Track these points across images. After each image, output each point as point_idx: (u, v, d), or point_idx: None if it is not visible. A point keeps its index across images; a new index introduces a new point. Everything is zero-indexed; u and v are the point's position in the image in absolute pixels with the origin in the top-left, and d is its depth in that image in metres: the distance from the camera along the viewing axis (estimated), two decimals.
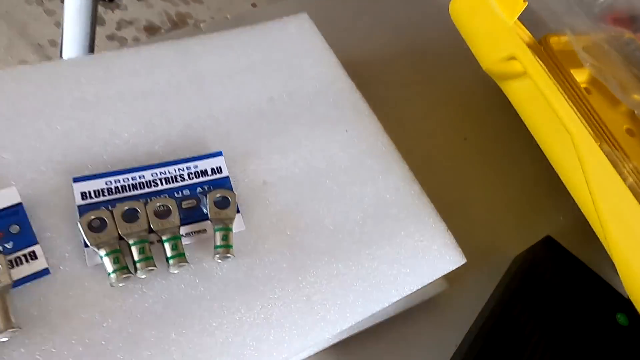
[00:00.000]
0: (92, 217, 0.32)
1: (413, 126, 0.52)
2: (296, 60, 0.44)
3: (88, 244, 0.31)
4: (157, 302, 0.32)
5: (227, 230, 0.34)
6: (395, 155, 0.42)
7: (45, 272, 0.31)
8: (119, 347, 0.30)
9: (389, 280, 0.36)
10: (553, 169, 0.44)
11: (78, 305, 0.30)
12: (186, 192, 0.36)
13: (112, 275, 0.31)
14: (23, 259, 0.30)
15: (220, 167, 0.37)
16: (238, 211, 0.36)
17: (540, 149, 0.45)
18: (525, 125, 0.46)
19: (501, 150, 0.53)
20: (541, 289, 0.41)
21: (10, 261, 0.30)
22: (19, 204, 0.32)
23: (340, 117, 0.42)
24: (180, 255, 0.32)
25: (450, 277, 0.40)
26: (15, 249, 0.30)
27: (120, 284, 0.31)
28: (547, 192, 0.51)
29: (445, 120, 0.54)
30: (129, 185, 0.35)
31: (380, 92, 0.46)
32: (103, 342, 0.30)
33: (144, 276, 0.32)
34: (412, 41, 0.58)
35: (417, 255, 0.38)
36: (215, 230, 0.34)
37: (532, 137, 0.46)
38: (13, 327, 0.28)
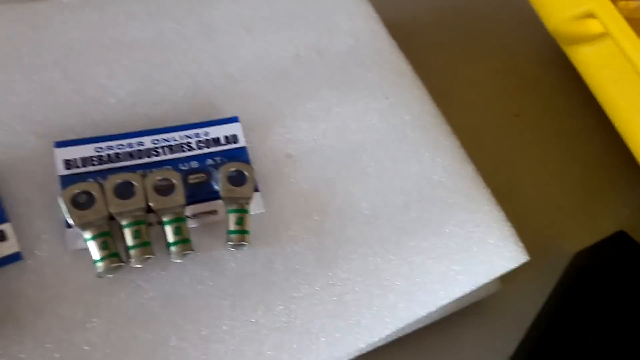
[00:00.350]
0: (77, 190, 0.26)
1: (459, 99, 0.45)
2: (328, 12, 0.37)
3: (71, 223, 0.25)
4: (154, 298, 0.25)
5: (242, 213, 0.27)
6: (444, 128, 0.35)
7: (16, 256, 0.25)
8: (105, 353, 0.24)
9: (437, 279, 0.30)
10: (621, 152, 0.37)
11: (56, 300, 0.24)
12: (194, 164, 0.29)
13: (99, 264, 0.24)
14: None
15: (235, 136, 0.30)
16: (256, 189, 0.29)
17: (608, 128, 0.38)
18: (590, 100, 0.39)
19: (559, 129, 0.46)
20: (614, 294, 0.34)
21: None
22: None
23: (380, 80, 0.35)
24: (184, 242, 0.26)
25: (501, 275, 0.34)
26: None
27: (109, 275, 0.25)
28: (614, 178, 0.44)
29: (495, 93, 0.47)
30: (124, 153, 0.28)
31: (423, 59, 0.39)
32: (86, 347, 0.24)
33: (138, 265, 0.26)
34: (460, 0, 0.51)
35: (470, 249, 0.31)
36: (228, 212, 0.27)
37: (598, 114, 0.39)
38: None
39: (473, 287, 0.31)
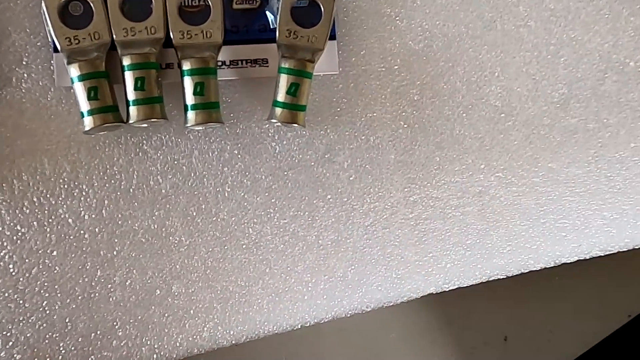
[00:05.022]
0: None
1: None
2: None
3: (57, 46, 0.17)
4: (163, 172, 0.19)
5: (300, 77, 0.18)
6: None
7: None
8: (93, 232, 0.19)
9: (572, 226, 0.20)
10: None
11: (36, 150, 0.18)
12: None
13: (87, 119, 0.17)
14: None
15: None
16: (332, 36, 0.19)
17: None
18: None
19: None
20: None
21: None
22: None
23: None
24: (209, 107, 0.18)
25: None
26: None
27: (100, 133, 0.18)
28: None
29: None
30: None
31: None
32: (70, 220, 0.18)
33: (143, 125, 0.18)
34: None
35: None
36: (279, 71, 0.18)
37: None
38: None
39: (624, 248, 0.20)
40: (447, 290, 0.20)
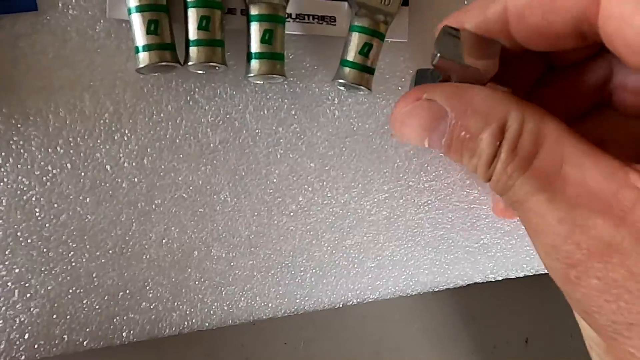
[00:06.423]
0: None
1: None
2: None
3: None
4: (212, 125, 0.17)
5: (373, 37, 0.17)
6: None
7: (28, 3, 0.16)
8: (131, 182, 0.17)
9: None
10: None
11: (77, 85, 0.16)
12: None
13: (142, 55, 0.16)
14: None
15: None
16: (405, 2, 0.18)
17: None
18: None
19: None
20: None
21: None
22: None
23: None
24: (274, 57, 0.16)
25: None
26: None
27: (154, 73, 0.17)
28: None
29: None
30: None
31: None
32: (108, 167, 0.16)
33: (200, 72, 0.17)
34: None
35: None
36: (351, 29, 0.17)
37: None
38: None
39: None
40: (494, 280, 0.19)
